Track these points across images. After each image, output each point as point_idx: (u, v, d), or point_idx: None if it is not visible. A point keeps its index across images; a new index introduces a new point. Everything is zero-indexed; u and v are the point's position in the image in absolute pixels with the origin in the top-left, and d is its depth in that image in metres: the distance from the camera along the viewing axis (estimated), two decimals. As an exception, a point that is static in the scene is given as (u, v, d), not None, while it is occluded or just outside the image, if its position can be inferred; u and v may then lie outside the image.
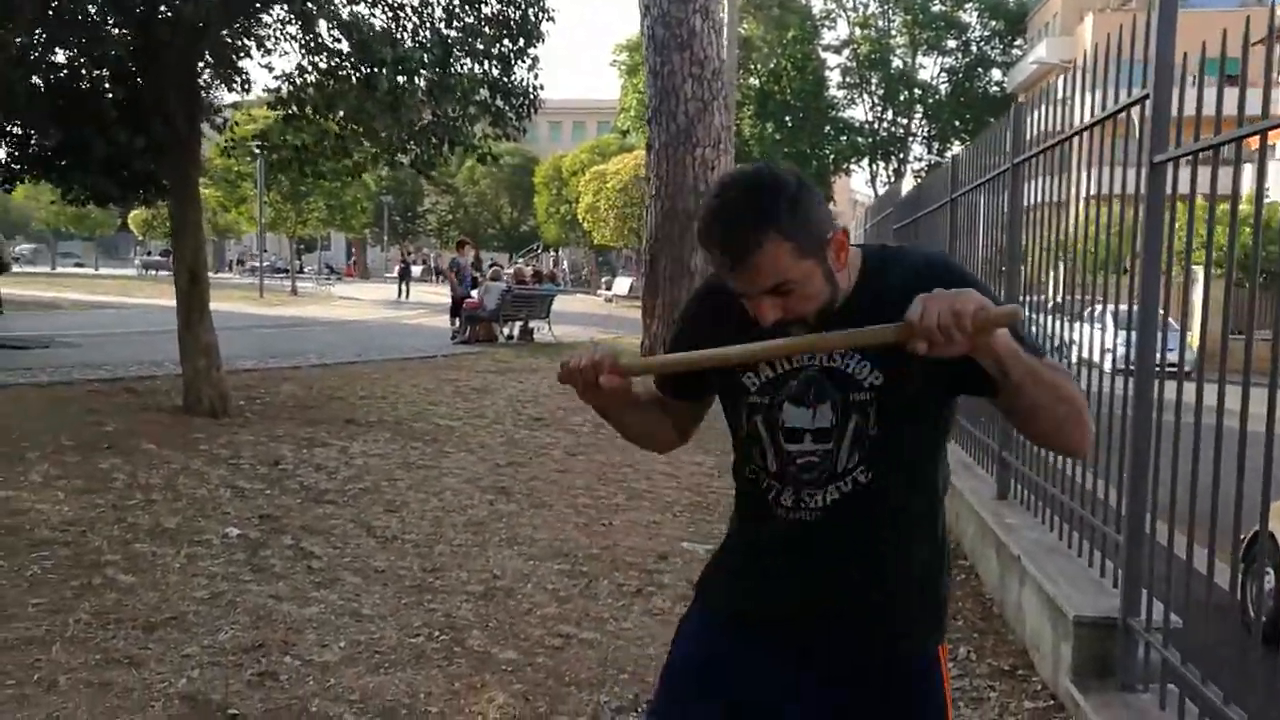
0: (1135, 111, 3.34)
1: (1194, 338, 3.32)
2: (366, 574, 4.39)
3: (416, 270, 54.11)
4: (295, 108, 8.42)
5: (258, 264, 33.17)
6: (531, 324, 16.94)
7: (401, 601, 4.08)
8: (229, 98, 10.77)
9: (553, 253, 52.45)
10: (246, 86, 9.17)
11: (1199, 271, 4.06)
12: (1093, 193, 3.78)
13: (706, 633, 1.66)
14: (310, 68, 8.08)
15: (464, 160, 9.93)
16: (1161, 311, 3.22)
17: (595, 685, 3.41)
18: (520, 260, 32.68)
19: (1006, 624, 4.15)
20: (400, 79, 7.29)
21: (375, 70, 6.99)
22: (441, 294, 25.10)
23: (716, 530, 1.40)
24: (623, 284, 37.34)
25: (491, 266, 17.20)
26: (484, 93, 8.46)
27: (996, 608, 4.36)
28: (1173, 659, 2.91)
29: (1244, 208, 2.91)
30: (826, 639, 1.57)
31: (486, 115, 8.44)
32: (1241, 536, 4.27)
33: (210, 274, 8.50)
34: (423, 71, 7.62)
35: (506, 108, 8.42)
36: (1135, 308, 3.31)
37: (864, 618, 1.56)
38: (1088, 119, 3.76)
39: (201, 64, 8.94)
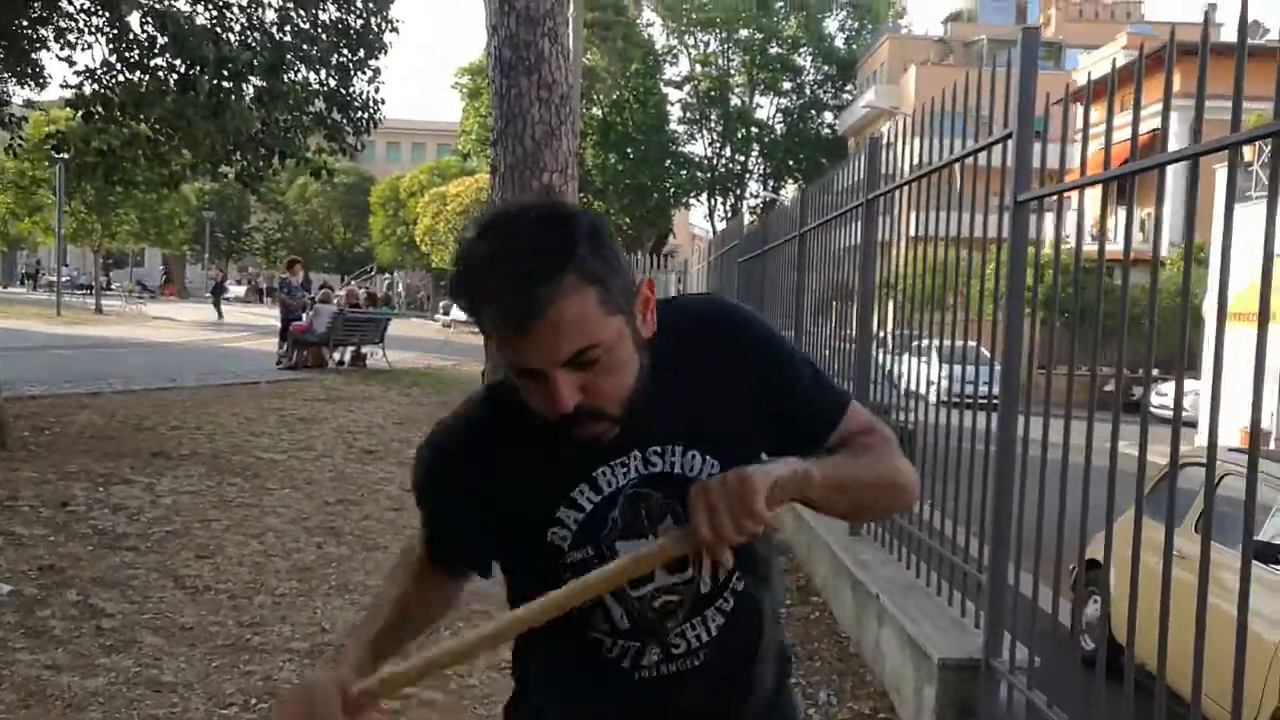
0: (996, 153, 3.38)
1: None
2: (170, 633, 3.84)
3: (239, 290, 51.33)
4: (100, 108, 7.62)
5: (55, 279, 30.44)
6: (364, 349, 16.15)
7: (212, 665, 3.58)
8: (21, 94, 9.76)
9: (388, 275, 50.95)
10: (41, 82, 8.26)
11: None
12: (951, 233, 3.81)
13: None
14: (118, 64, 7.32)
15: (295, 176, 9.31)
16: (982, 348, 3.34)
17: (437, 755, 3.06)
18: (353, 282, 31.35)
19: (865, 664, 4.06)
20: (224, 82, 6.69)
21: (194, 70, 6.37)
22: (266, 315, 23.76)
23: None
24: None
25: (321, 289, 16.31)
26: (319, 104, 7.95)
27: (853, 647, 4.27)
28: (1039, 701, 2.86)
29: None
30: None
31: (321, 128, 7.91)
32: (1071, 567, 4.40)
33: (0, 288, 7.53)
34: (251, 77, 7.04)
35: (344, 120, 7.92)
36: (970, 343, 3.48)
37: None
38: (947, 156, 3.78)
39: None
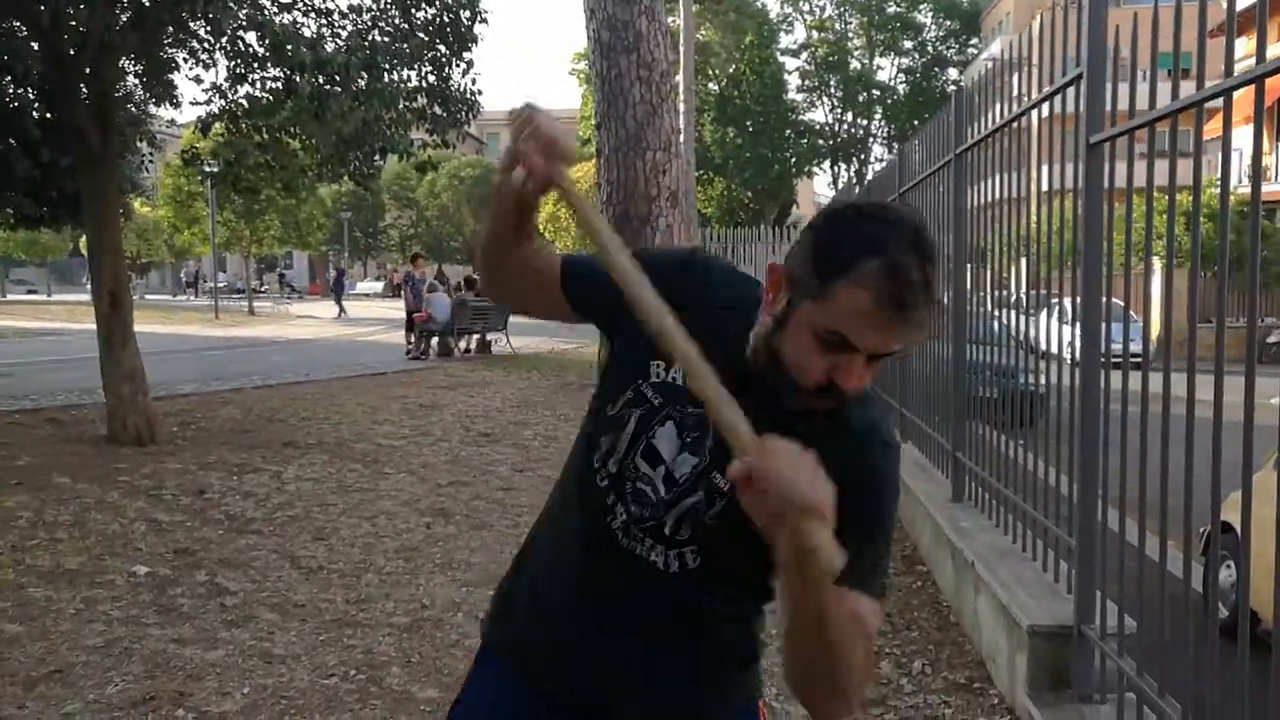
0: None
1: (1155, 328, 3.18)
2: (284, 609, 4.10)
3: (377, 285, 53.48)
4: (227, 121, 8.12)
5: (213, 285, 32.56)
6: (489, 336, 16.63)
7: (319, 639, 3.80)
8: (167, 114, 10.48)
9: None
10: (174, 100, 8.84)
11: (1156, 262, 3.94)
12: (1045, 187, 3.61)
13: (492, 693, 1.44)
14: (237, 77, 7.77)
15: (404, 171, 9.63)
16: (1119, 301, 3.07)
17: (521, 723, 3.15)
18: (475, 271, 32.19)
19: (964, 633, 3.95)
20: (323, 85, 7.01)
21: (294, 75, 6.69)
22: (397, 309, 24.78)
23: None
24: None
25: (424, 280, 16.85)
26: (421, 99, 8.21)
27: (953, 616, 4.16)
28: (1128, 669, 2.72)
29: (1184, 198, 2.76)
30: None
31: (422, 122, 8.17)
32: (1201, 530, 4.12)
33: (169, 297, 8.14)
34: (349, 75, 7.33)
35: (443, 113, 8.16)
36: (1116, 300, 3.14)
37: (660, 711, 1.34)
38: (1025, 103, 3.60)
39: (130, 77, 8.64)
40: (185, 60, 8.50)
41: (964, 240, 4.81)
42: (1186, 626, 2.47)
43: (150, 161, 9.48)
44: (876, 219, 1.12)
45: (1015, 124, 3.85)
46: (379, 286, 53.94)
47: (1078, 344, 3.22)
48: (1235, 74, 2.24)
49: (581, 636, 1.33)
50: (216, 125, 8.53)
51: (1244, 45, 14.25)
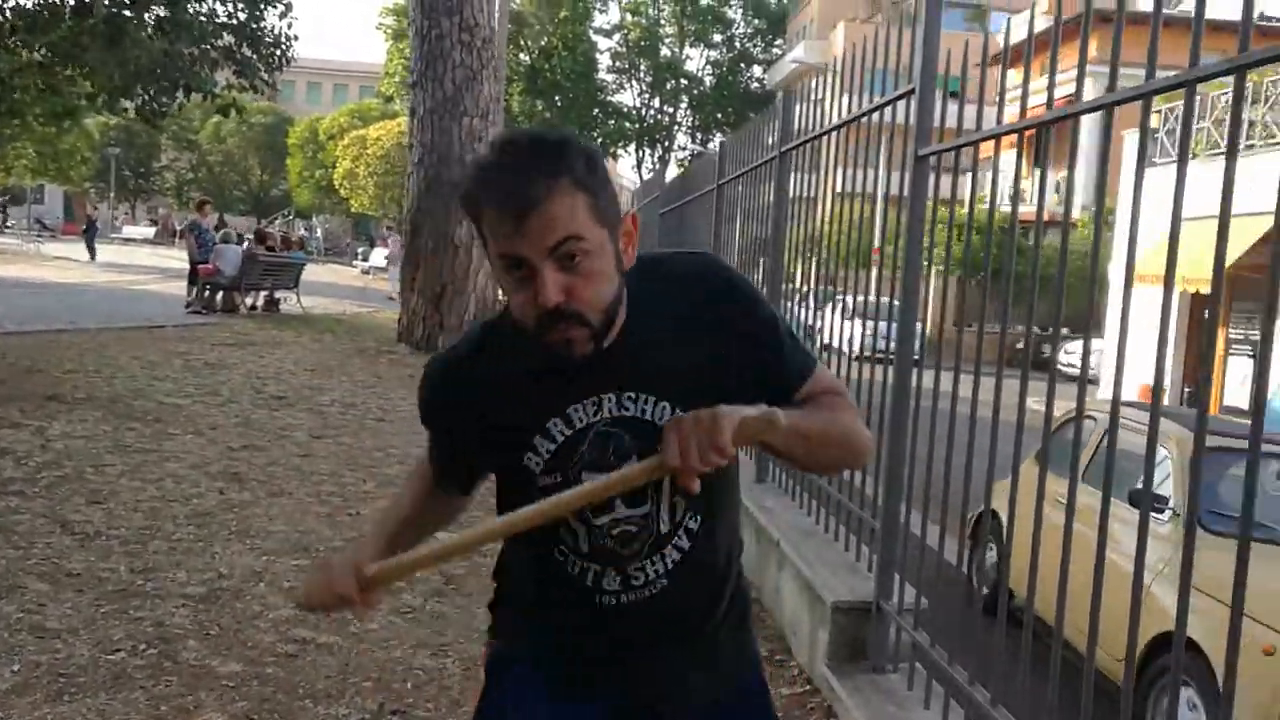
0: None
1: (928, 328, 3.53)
2: (56, 579, 3.73)
3: (147, 231, 49.27)
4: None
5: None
6: (278, 294, 15.74)
7: (99, 610, 3.49)
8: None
9: (310, 219, 49.56)
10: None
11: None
12: (848, 189, 3.86)
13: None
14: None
15: (208, 114, 8.93)
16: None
17: (334, 697, 3.04)
18: (267, 225, 30.33)
19: (765, 608, 4.16)
20: (123, 10, 6.36)
21: (86, -7, 6.04)
22: (174, 258, 22.96)
23: (477, 520, 1.17)
24: (379, 255, 35.44)
25: (220, 229, 15.77)
26: (228, 37, 7.62)
27: (755, 592, 4.38)
28: (921, 640, 2.98)
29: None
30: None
31: (230, 63, 7.59)
32: (970, 515, 4.56)
33: None
34: (152, 5, 6.70)
35: (254, 56, 7.61)
36: (886, 299, 3.42)
37: (704, 685, 1.43)
38: (853, 111, 3.82)
39: None
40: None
41: (781, 235, 5.04)
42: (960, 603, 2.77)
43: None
44: (474, 158, 1.27)
45: (838, 130, 4.07)
46: (150, 232, 49.63)
47: (862, 341, 3.59)
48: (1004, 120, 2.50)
49: (629, 665, 1.39)
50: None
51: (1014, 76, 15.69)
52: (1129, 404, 4.98)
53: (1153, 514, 4.10)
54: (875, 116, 3.64)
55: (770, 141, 5.16)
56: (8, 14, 7.12)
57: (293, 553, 4.28)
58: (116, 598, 3.61)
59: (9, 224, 44.53)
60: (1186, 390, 15.25)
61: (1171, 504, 4.22)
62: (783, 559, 3.98)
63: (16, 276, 19.07)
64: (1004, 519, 2.64)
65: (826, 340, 4.50)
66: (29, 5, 7.08)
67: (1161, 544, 3.99)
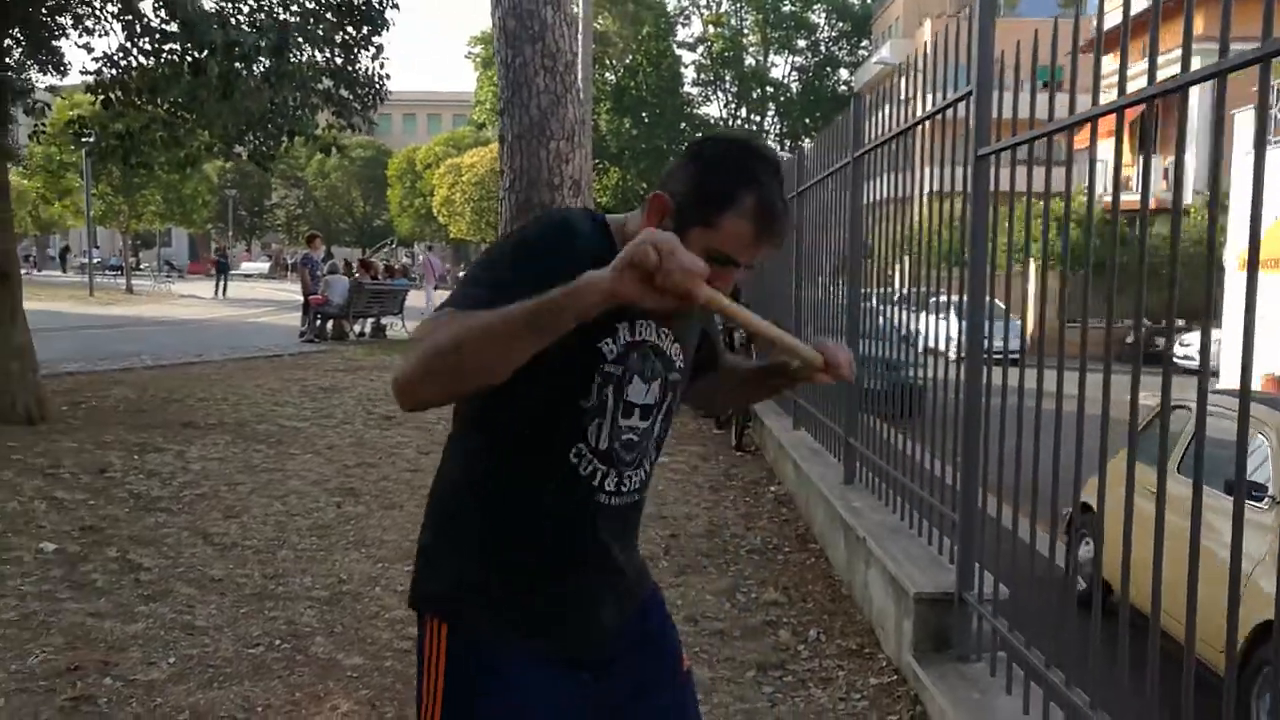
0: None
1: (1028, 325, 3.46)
2: (202, 584, 4.14)
3: (261, 265, 51.74)
4: (118, 92, 7.85)
5: (86, 260, 30.96)
6: (384, 320, 16.47)
7: (240, 611, 3.86)
8: (43, 81, 10.00)
9: (415, 246, 51.16)
10: (62, 69, 8.50)
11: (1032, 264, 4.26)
12: (933, 189, 3.93)
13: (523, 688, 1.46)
14: (134, 50, 7.54)
15: (312, 153, 9.51)
16: (998, 301, 3.37)
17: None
18: (371, 255, 31.56)
19: (855, 604, 4.28)
20: (233, 65, 6.89)
21: (204, 55, 6.57)
22: (287, 290, 24.13)
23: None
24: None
25: (328, 260, 16.59)
26: (326, 81, 8.13)
27: (845, 589, 4.49)
28: (1001, 627, 3.06)
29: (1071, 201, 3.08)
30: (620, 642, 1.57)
31: (329, 105, 8.11)
32: (1066, 510, 4.55)
33: (36, 271, 7.82)
34: (258, 58, 7.23)
35: (351, 97, 8.11)
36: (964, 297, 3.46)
37: (635, 601, 1.61)
38: (916, 115, 3.92)
39: (10, 44, 8.26)
40: (73, 27, 8.19)
41: (859, 239, 5.14)
42: (1053, 594, 2.81)
43: (41, 129, 9.03)
44: (748, 154, 1.39)
45: (909, 133, 4.17)
46: (265, 267, 52.19)
47: (961, 340, 3.52)
48: (1100, 100, 2.55)
49: (600, 593, 1.53)
50: (99, 95, 8.22)
51: (1109, 62, 15.18)
52: (1222, 392, 4.90)
53: (1252, 502, 4.08)
54: (948, 113, 3.68)
55: (845, 146, 5.28)
56: (132, 76, 7.78)
57: (404, 560, 4.60)
58: (253, 600, 3.98)
59: (141, 266, 47.40)
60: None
61: (1271, 491, 4.17)
62: (869, 555, 4.09)
63: (153, 315, 20.43)
64: (1105, 511, 2.58)
65: (929, 344, 4.30)
66: (150, 64, 7.72)
67: (1262, 532, 3.96)
